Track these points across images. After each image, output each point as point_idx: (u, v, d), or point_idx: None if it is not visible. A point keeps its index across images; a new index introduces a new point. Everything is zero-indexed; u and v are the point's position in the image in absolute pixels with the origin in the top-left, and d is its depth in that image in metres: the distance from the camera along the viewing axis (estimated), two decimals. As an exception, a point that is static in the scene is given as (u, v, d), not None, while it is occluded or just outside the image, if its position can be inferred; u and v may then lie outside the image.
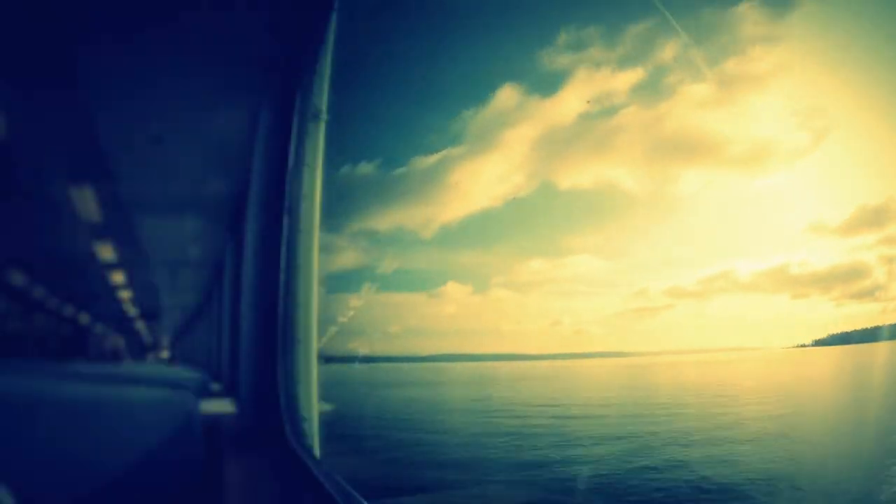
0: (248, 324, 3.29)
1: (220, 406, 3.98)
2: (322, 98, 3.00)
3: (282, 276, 2.96)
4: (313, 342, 2.90)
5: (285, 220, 2.99)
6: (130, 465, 1.15)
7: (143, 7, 2.85)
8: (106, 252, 8.19)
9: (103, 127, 3.99)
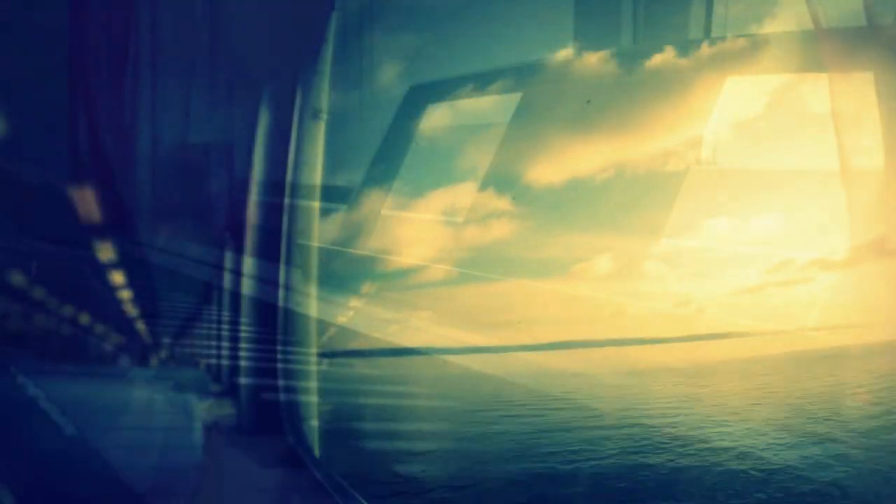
0: (248, 323, 3.29)
1: (220, 406, 3.97)
2: (322, 98, 3.00)
3: (282, 275, 2.96)
4: (313, 342, 2.90)
5: (285, 220, 2.99)
6: (131, 465, 1.16)
7: (143, 6, 2.85)
8: (106, 252, 8.19)
9: (102, 127, 3.99)
